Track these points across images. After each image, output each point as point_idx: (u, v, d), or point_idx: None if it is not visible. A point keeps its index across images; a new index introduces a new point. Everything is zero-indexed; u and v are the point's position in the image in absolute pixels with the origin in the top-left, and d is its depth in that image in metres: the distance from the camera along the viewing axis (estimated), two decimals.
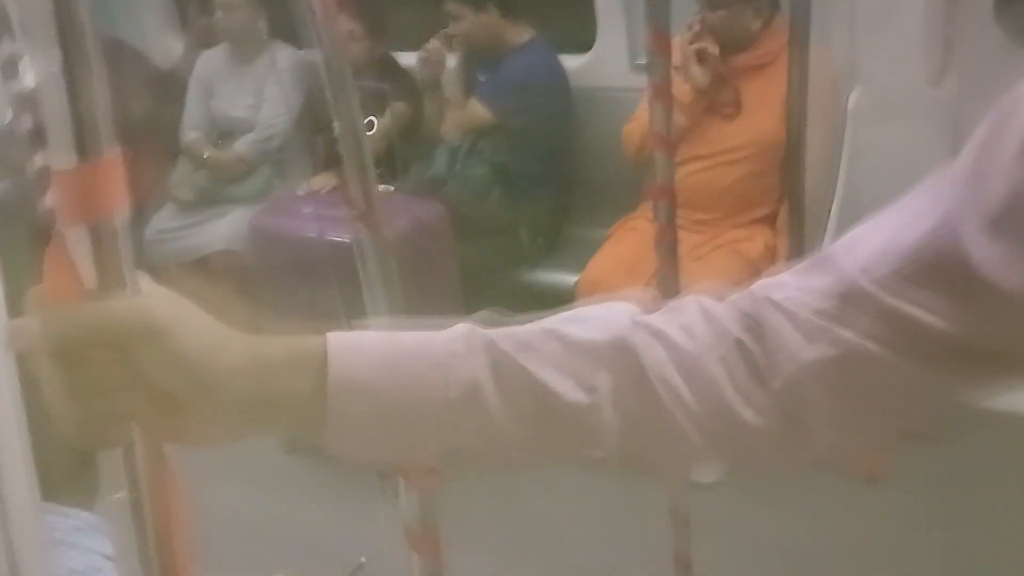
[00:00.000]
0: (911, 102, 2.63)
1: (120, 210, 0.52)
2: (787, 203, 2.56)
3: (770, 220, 2.87)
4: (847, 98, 2.78)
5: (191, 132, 3.61)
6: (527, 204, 3.21)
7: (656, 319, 0.66)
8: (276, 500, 2.77)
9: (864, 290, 0.61)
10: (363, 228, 1.27)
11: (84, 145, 0.50)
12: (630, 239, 2.88)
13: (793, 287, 0.65)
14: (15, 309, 0.51)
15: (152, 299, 0.55)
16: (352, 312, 1.38)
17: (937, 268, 0.59)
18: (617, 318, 0.66)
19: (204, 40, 3.76)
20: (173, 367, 0.54)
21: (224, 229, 3.41)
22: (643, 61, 3.00)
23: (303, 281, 2.62)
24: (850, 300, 0.61)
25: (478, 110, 3.19)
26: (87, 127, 0.50)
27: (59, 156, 0.50)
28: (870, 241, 0.63)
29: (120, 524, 0.58)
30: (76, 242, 0.52)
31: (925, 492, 2.45)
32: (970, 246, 0.57)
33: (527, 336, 0.64)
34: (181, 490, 0.57)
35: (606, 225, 3.04)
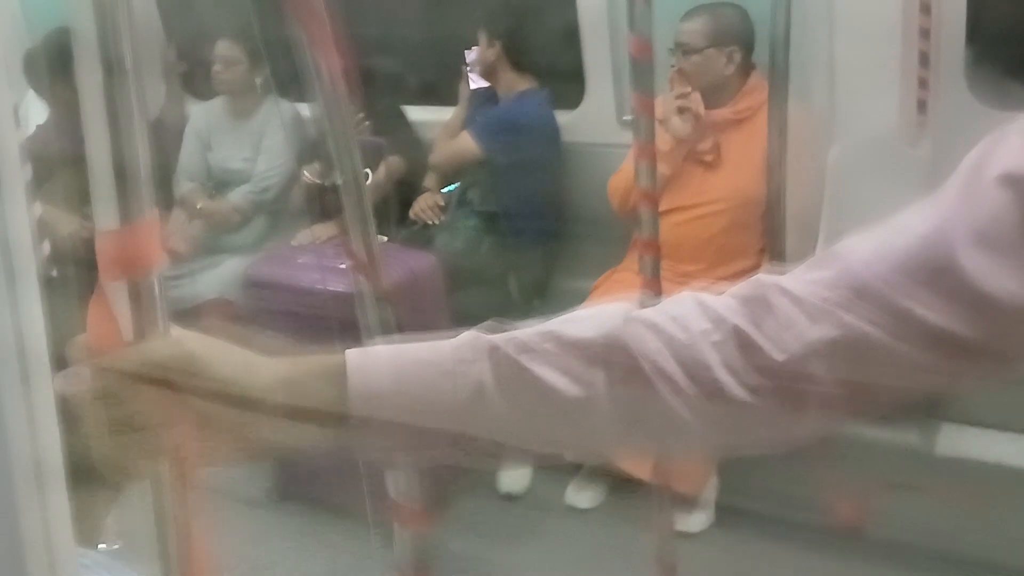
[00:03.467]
0: (888, 161, 2.71)
1: (158, 266, 0.57)
2: (769, 257, 2.63)
3: (753, 273, 2.92)
4: (826, 155, 2.86)
5: (186, 183, 3.66)
6: (516, 255, 3.27)
7: (649, 312, 0.72)
8: (268, 547, 2.78)
9: (866, 282, 0.66)
10: (363, 279, 1.32)
11: (127, 208, 0.56)
12: (616, 291, 2.94)
13: (800, 278, 0.70)
14: (57, 357, 0.56)
15: (187, 336, 0.62)
16: None
17: (931, 268, 0.65)
18: (610, 316, 0.71)
19: (199, 92, 3.84)
20: (214, 390, 0.61)
21: (218, 278, 3.45)
22: (629, 117, 3.10)
23: (298, 331, 2.66)
24: (853, 290, 0.67)
25: (467, 142, 3.28)
26: (131, 191, 0.56)
27: (103, 217, 0.56)
28: (871, 242, 0.69)
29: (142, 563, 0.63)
30: (116, 295, 0.57)
31: (906, 542, 2.49)
32: (960, 253, 0.63)
33: (526, 338, 0.70)
34: (208, 531, 0.63)
35: (593, 277, 3.09)
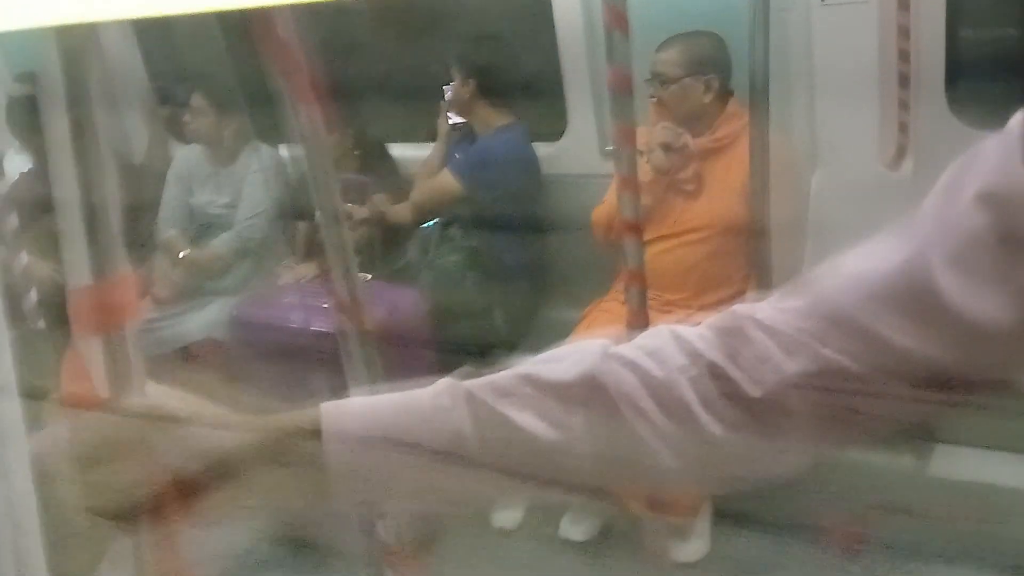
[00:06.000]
0: (870, 184, 2.72)
1: (132, 322, 0.57)
2: (754, 283, 2.63)
3: (738, 300, 2.91)
4: (809, 180, 2.87)
5: (168, 229, 3.65)
6: (501, 288, 3.26)
7: (626, 349, 0.71)
8: None
9: (842, 311, 0.65)
10: (345, 318, 1.31)
11: (99, 263, 0.55)
12: (603, 321, 2.93)
13: (775, 308, 0.69)
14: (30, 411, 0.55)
15: (164, 393, 0.61)
16: (334, 398, 1.42)
17: (908, 294, 0.63)
18: (587, 354, 0.70)
19: (182, 136, 3.85)
20: (190, 451, 0.60)
21: (204, 319, 3.44)
22: (612, 148, 3.11)
23: (285, 369, 2.65)
24: (828, 320, 0.66)
25: (447, 180, 3.28)
26: (103, 246, 0.55)
27: (75, 274, 0.55)
28: (848, 269, 0.67)
29: None
30: (90, 350, 0.56)
31: (903, 564, 2.47)
32: (938, 276, 0.62)
33: (503, 383, 0.69)
34: None
35: (580, 308, 3.09)
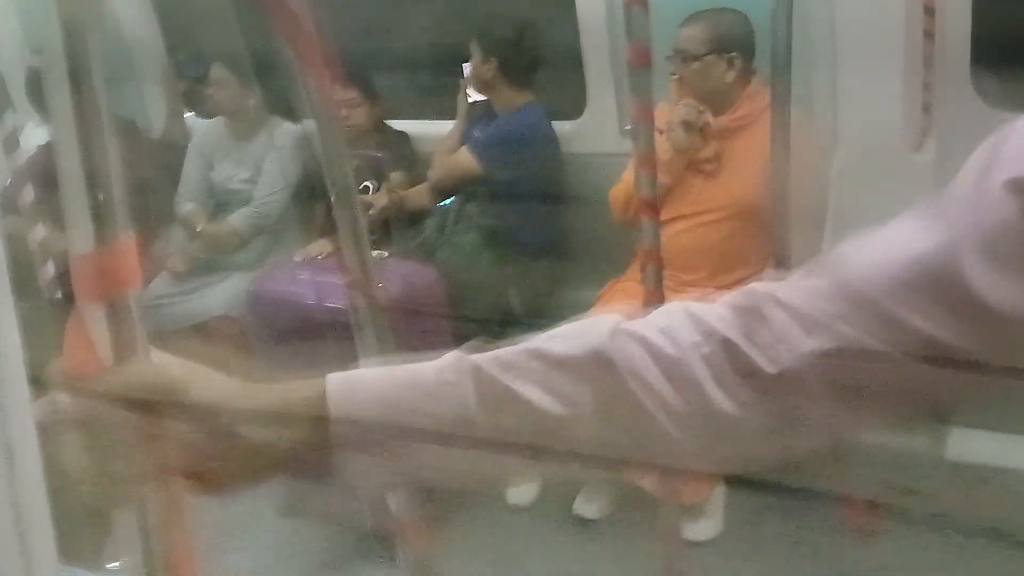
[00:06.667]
0: (892, 165, 2.69)
1: (134, 289, 0.56)
2: (773, 264, 2.61)
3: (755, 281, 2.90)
4: (830, 161, 2.84)
5: (187, 203, 3.66)
6: (517, 267, 3.26)
7: (637, 325, 0.69)
8: (273, 565, 2.77)
9: (864, 293, 0.64)
10: (357, 294, 1.31)
11: (101, 230, 0.55)
12: (620, 301, 2.92)
13: (794, 287, 0.68)
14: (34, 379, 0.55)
15: (168, 361, 0.61)
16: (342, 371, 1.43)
17: (935, 281, 0.62)
18: (597, 330, 0.69)
19: (201, 110, 3.86)
20: (193, 418, 0.60)
21: (221, 295, 3.44)
22: (631, 127, 3.09)
23: (300, 345, 2.66)
24: (851, 301, 0.64)
25: (466, 158, 3.27)
26: (105, 213, 0.55)
27: (78, 241, 0.55)
28: (872, 250, 0.66)
29: None
30: (92, 318, 0.56)
31: (920, 548, 2.47)
32: (965, 265, 0.60)
33: (510, 357, 0.68)
34: (194, 553, 0.62)
35: (597, 287, 3.08)
